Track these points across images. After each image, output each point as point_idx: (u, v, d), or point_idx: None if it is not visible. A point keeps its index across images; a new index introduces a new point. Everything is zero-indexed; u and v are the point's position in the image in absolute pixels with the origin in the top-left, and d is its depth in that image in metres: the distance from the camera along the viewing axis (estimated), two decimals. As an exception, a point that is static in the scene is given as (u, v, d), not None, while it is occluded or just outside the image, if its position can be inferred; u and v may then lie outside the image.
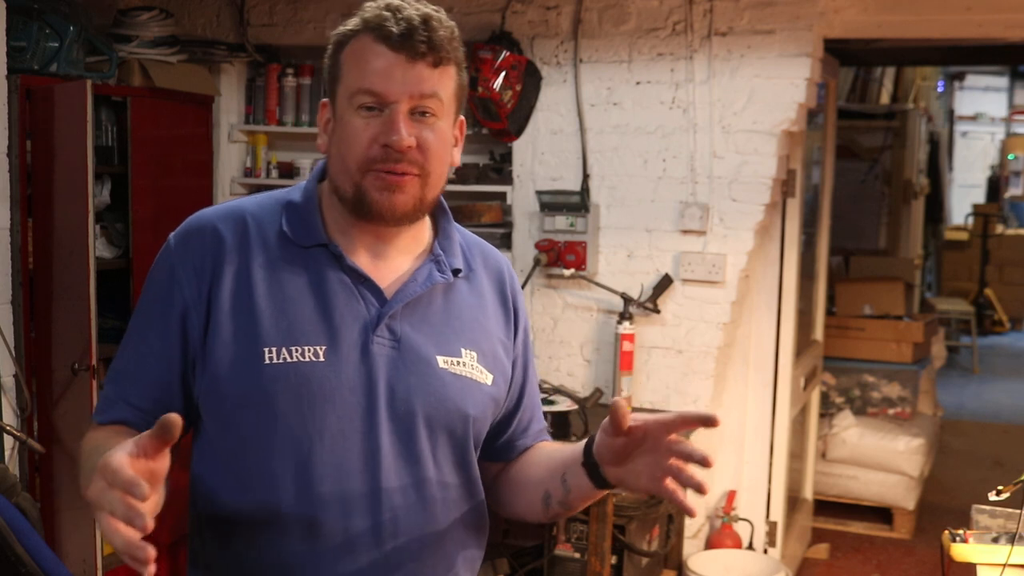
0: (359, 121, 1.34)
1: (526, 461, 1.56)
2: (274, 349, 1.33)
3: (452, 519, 1.43)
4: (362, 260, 1.41)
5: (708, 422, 1.23)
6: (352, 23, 1.38)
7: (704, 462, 1.23)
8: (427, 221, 1.48)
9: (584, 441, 1.39)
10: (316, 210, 1.42)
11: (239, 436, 1.36)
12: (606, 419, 1.31)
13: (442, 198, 1.48)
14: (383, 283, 1.41)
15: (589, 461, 1.36)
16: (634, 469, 1.31)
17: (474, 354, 1.44)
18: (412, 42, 1.32)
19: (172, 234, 1.44)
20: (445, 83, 1.36)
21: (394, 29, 1.32)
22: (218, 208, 1.46)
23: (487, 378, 1.45)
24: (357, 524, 1.35)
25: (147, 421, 1.38)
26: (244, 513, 1.36)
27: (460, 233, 1.53)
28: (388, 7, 1.35)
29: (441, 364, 1.40)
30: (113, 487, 1.08)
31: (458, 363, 1.42)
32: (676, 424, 1.26)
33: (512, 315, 1.53)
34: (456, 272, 1.46)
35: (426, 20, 1.33)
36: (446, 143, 1.39)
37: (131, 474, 1.08)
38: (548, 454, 1.53)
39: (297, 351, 1.34)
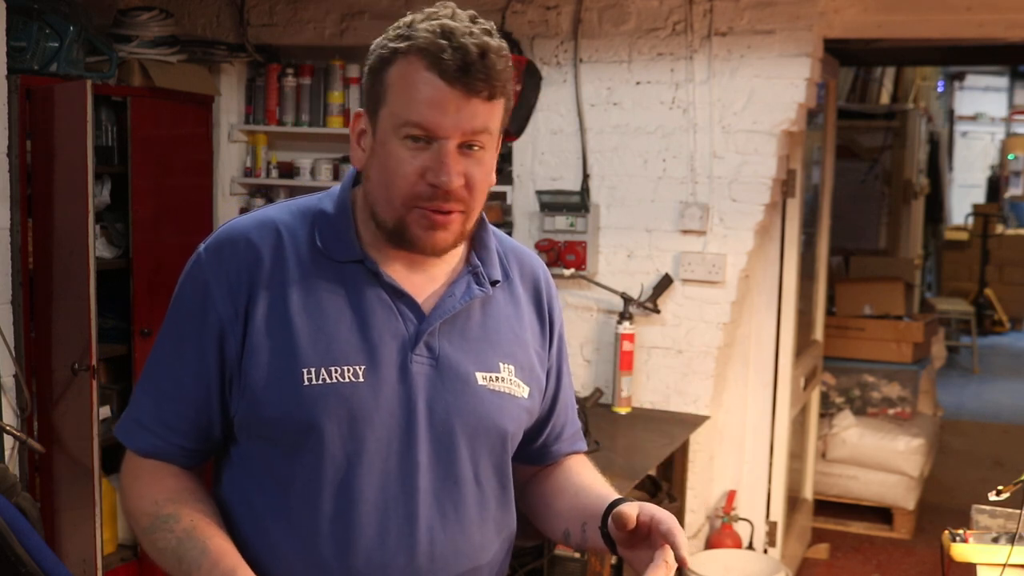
0: (405, 152, 1.29)
1: (556, 485, 1.53)
2: (313, 370, 1.30)
3: (488, 538, 1.41)
4: (398, 274, 1.37)
5: (680, 562, 1.26)
6: (400, 41, 1.29)
7: (681, 563, 1.26)
8: None
9: (606, 506, 1.37)
10: (350, 222, 1.37)
11: (276, 456, 1.34)
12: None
13: None
14: (420, 297, 1.37)
15: (605, 530, 1.35)
16: (639, 556, 1.31)
17: (512, 368, 1.41)
18: (470, 78, 1.26)
19: (202, 245, 1.37)
20: (496, 114, 1.31)
21: (451, 62, 1.25)
22: (249, 218, 1.39)
23: (523, 391, 1.43)
24: (392, 544, 1.32)
25: (183, 447, 1.37)
26: (277, 531, 1.34)
27: (497, 238, 1.48)
28: (443, 32, 1.26)
29: (480, 381, 1.38)
30: None
31: (496, 379, 1.39)
32: (669, 541, 1.26)
33: (547, 323, 1.50)
34: (494, 284, 1.43)
35: (484, 52, 1.26)
36: (490, 173, 1.35)
37: None
38: (576, 490, 1.49)
39: (336, 372, 1.30)
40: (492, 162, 1.35)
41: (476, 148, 1.30)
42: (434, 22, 1.28)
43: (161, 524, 1.32)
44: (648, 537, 1.29)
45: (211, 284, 1.34)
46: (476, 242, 1.44)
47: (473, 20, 1.30)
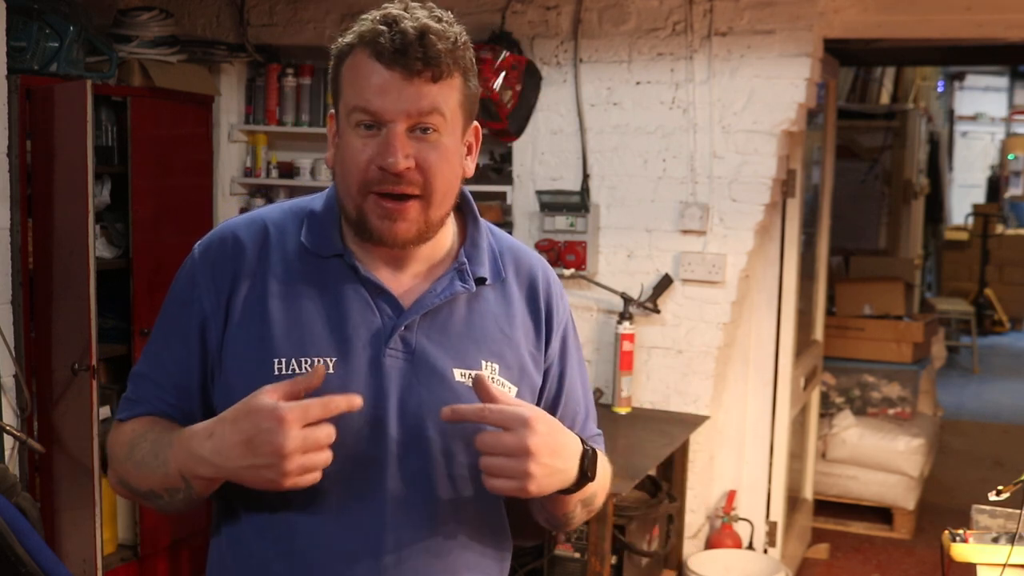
0: (357, 141, 1.31)
1: None
2: (283, 360, 1.32)
3: (469, 541, 1.39)
4: (380, 271, 1.38)
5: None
6: (350, 36, 1.33)
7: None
8: (450, 227, 1.43)
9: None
10: (336, 220, 1.40)
11: None
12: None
13: (473, 204, 1.45)
14: (400, 292, 1.38)
15: None
16: None
17: (496, 366, 1.39)
18: (407, 59, 1.27)
19: (197, 243, 1.42)
20: (447, 96, 1.31)
21: (387, 45, 1.27)
22: (242, 218, 1.44)
23: (510, 391, 1.40)
24: (357, 542, 1.32)
25: (170, 416, 1.40)
26: (254, 520, 1.36)
27: (494, 237, 1.48)
28: (385, 19, 1.29)
29: (457, 377, 1.36)
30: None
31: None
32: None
33: (544, 323, 1.48)
34: (481, 281, 1.42)
35: (423, 34, 1.27)
36: (450, 159, 1.33)
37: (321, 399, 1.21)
38: None
39: (306, 363, 1.32)
40: (452, 147, 1.34)
41: (430, 131, 1.31)
42: (379, 13, 1.32)
43: (138, 441, 1.35)
44: None
45: (198, 278, 1.38)
46: (466, 238, 1.44)
47: (430, 10, 1.32)
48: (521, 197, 3.76)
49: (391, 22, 1.29)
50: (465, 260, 1.42)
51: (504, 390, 1.39)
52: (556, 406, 1.50)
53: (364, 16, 1.33)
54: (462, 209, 1.46)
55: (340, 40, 1.35)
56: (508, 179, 3.79)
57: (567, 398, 1.51)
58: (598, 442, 1.56)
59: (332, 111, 1.40)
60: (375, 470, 1.33)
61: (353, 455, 1.32)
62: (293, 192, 4.09)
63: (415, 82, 1.28)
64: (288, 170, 4.18)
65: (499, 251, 1.47)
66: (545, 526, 1.52)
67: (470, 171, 1.40)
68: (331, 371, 1.32)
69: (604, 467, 1.46)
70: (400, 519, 1.33)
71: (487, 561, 1.43)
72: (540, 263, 1.52)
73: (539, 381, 1.47)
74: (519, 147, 3.76)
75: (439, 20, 1.31)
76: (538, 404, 1.46)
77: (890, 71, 7.00)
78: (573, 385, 1.53)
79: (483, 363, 1.39)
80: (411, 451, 1.34)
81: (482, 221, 1.47)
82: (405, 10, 1.32)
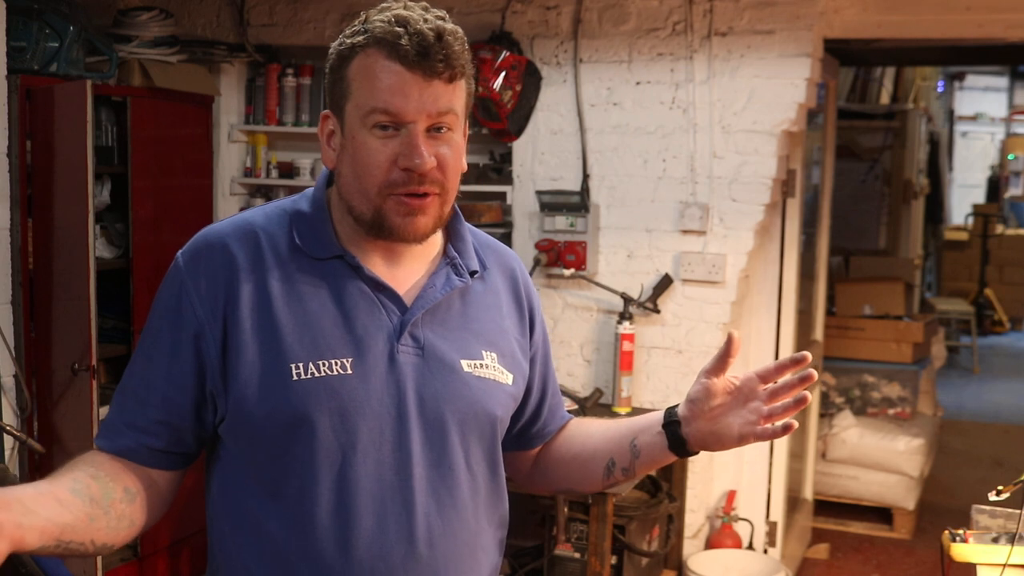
0: (375, 142, 1.31)
1: (573, 435, 1.60)
2: (301, 365, 1.31)
3: (482, 523, 1.43)
4: (378, 269, 1.39)
5: (799, 362, 1.36)
6: (357, 36, 1.32)
7: (809, 378, 1.34)
8: None
9: (662, 411, 1.46)
10: (327, 220, 1.40)
11: (270, 454, 1.33)
12: (707, 366, 1.42)
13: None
14: (401, 290, 1.39)
15: (670, 422, 1.43)
16: (725, 422, 1.40)
17: (494, 355, 1.43)
18: (429, 61, 1.28)
19: (180, 252, 1.39)
20: (458, 96, 1.33)
21: (408, 47, 1.27)
22: (226, 224, 1.42)
23: (508, 378, 1.45)
24: (391, 533, 1.33)
25: (150, 447, 1.37)
26: (275, 528, 1.33)
27: (472, 232, 1.51)
28: (397, 20, 1.30)
29: (466, 368, 1.40)
30: None
31: (481, 365, 1.41)
32: (771, 373, 1.39)
33: (527, 312, 1.53)
34: (472, 274, 1.45)
35: (440, 35, 1.29)
36: (461, 155, 1.36)
37: None
38: (606, 426, 1.56)
39: (324, 365, 1.32)
40: (461, 145, 1.37)
41: (444, 130, 1.33)
42: (388, 13, 1.32)
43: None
44: (734, 402, 1.40)
45: (188, 287, 1.35)
46: (452, 234, 1.47)
47: (426, 10, 1.33)
48: (521, 197, 3.76)
49: (404, 23, 1.29)
50: (456, 255, 1.45)
51: (503, 377, 1.44)
52: (546, 390, 1.59)
53: (371, 18, 1.32)
54: None
55: (344, 40, 1.34)
56: (508, 179, 3.79)
57: (551, 376, 1.60)
58: (567, 411, 1.68)
59: (326, 112, 1.38)
60: (403, 463, 1.34)
61: (382, 452, 1.33)
62: (293, 192, 4.08)
63: (434, 83, 1.30)
64: (288, 170, 4.18)
65: (479, 245, 1.51)
66: (600, 485, 1.58)
67: (465, 165, 1.42)
68: (349, 371, 1.32)
69: None
70: (429, 507, 1.35)
71: (495, 542, 1.48)
72: (514, 256, 1.59)
73: (527, 368, 1.52)
74: (519, 147, 3.76)
75: (443, 19, 1.32)
76: (528, 389, 1.53)
77: (890, 71, 6.99)
78: (553, 371, 1.62)
79: (483, 353, 1.43)
80: (434, 442, 1.37)
81: (461, 215, 1.50)
82: (404, 9, 1.32)
